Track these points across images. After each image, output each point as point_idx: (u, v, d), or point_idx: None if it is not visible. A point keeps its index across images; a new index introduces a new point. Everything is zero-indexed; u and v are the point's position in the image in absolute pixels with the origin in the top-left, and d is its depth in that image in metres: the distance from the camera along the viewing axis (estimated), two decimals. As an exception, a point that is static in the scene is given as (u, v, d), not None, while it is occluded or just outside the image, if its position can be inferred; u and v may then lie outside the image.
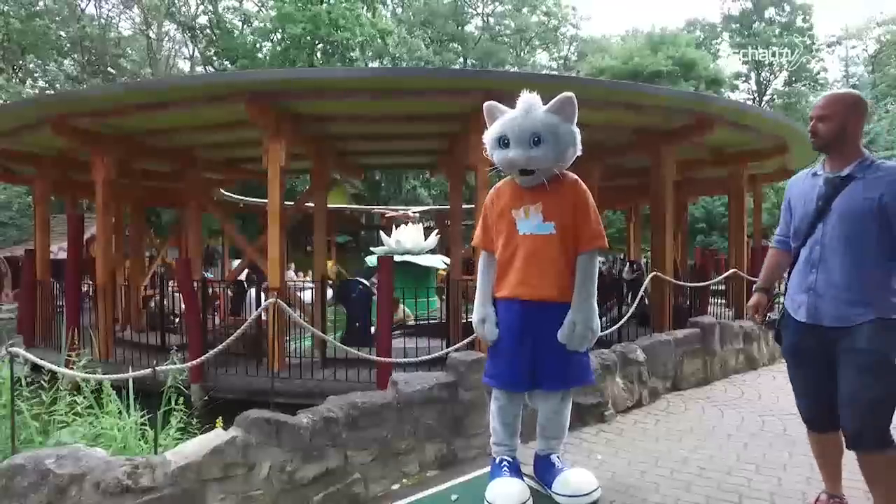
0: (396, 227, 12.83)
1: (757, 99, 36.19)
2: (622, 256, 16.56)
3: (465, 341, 4.68)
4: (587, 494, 2.49)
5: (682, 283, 7.99)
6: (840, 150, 2.32)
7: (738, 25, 36.83)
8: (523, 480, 2.53)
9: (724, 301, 10.59)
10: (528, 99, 2.44)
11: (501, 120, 2.46)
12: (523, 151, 2.41)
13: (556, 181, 2.48)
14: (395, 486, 2.83)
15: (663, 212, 8.04)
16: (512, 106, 2.49)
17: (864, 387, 2.19)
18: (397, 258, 8.26)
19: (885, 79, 30.69)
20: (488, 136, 2.50)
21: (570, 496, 2.50)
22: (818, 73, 36.45)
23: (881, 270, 2.22)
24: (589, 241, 2.49)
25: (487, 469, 2.65)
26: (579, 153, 2.49)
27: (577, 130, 2.46)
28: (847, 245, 2.26)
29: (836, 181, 2.31)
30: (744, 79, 38.34)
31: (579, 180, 2.58)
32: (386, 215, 18.83)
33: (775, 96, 36.94)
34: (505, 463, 2.55)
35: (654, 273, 7.15)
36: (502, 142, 2.43)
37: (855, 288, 2.24)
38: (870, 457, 2.21)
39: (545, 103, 2.47)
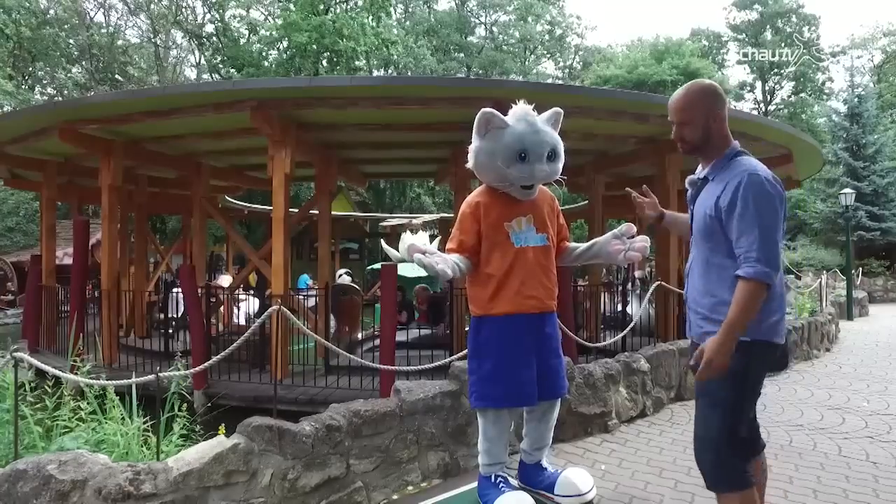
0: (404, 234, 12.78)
1: (763, 108, 36.21)
2: (626, 266, 16.46)
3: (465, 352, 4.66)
4: (589, 492, 2.61)
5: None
6: (706, 152, 2.09)
7: (743, 36, 36.93)
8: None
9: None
10: (530, 112, 2.44)
11: (515, 133, 2.37)
12: (547, 166, 2.43)
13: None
14: (397, 496, 2.82)
15: (668, 221, 8.01)
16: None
17: (697, 419, 1.99)
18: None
19: (890, 89, 30.60)
20: (497, 148, 2.39)
21: (574, 496, 2.58)
22: (823, 82, 36.49)
23: (727, 282, 1.93)
24: None
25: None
26: None
27: None
28: (699, 252, 2.09)
29: (697, 183, 2.13)
30: (749, 88, 38.40)
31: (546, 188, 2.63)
32: (384, 223, 18.83)
33: (781, 106, 36.95)
34: (500, 479, 2.57)
35: (659, 282, 7.14)
36: (521, 156, 2.37)
37: (703, 301, 2.03)
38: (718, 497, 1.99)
39: (540, 114, 2.51)
